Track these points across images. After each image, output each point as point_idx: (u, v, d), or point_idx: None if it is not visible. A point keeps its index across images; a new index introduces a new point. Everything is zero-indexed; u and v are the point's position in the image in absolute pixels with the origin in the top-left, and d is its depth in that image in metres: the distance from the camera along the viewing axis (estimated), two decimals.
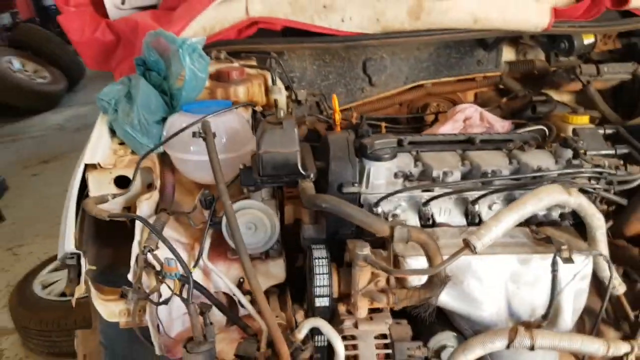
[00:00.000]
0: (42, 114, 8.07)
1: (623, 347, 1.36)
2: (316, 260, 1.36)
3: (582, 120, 1.84)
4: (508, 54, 2.23)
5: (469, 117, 1.86)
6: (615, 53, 2.22)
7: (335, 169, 1.43)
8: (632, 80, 2.11)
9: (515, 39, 2.18)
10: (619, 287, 1.47)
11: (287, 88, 1.95)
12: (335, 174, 1.43)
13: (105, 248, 1.66)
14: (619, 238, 1.64)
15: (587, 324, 1.54)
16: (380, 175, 1.46)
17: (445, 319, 1.49)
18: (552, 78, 2.16)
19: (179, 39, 1.54)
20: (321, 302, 1.35)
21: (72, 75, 8.51)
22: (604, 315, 1.55)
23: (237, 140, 1.56)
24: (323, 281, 1.35)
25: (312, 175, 1.40)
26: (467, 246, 1.22)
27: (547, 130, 1.79)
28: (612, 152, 1.60)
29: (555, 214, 1.54)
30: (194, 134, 1.41)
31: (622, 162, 1.56)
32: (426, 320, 1.36)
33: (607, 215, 1.56)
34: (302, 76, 2.04)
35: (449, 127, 1.84)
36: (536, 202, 1.27)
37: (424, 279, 1.33)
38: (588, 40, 2.02)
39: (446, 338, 1.47)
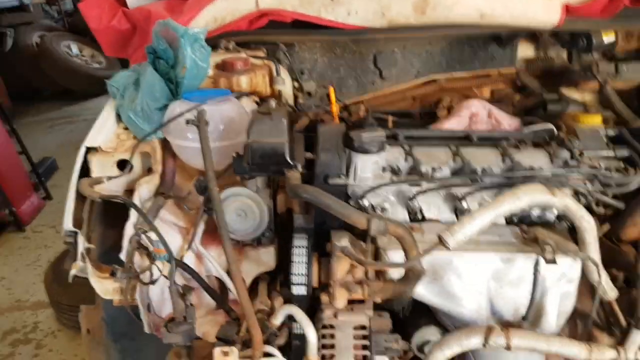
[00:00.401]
0: (96, 98, 8.33)
1: (608, 353, 1.33)
2: (295, 249, 1.38)
3: (594, 120, 1.77)
4: (527, 50, 2.17)
5: (475, 114, 1.83)
6: None
7: (323, 160, 1.44)
8: None
9: (534, 35, 2.12)
10: (610, 292, 1.43)
11: (296, 80, 1.97)
12: (322, 165, 1.45)
13: (112, 229, 1.73)
14: (621, 242, 1.59)
15: (580, 328, 1.51)
16: (367, 168, 1.46)
17: (431, 315, 1.49)
18: (570, 76, 2.10)
19: (182, 29, 1.57)
20: (298, 290, 1.37)
21: (126, 61, 8.71)
22: (597, 321, 1.52)
23: (234, 128, 1.58)
24: (300, 269, 1.37)
25: (299, 166, 1.42)
26: (440, 242, 1.22)
27: (555, 130, 1.74)
28: (611, 154, 1.55)
29: (551, 215, 1.51)
30: (187, 122, 1.45)
31: (622, 164, 1.51)
32: (405, 313, 1.36)
33: (604, 219, 1.53)
34: (313, 68, 2.05)
35: (454, 123, 1.82)
36: (514, 201, 1.24)
37: (403, 272, 1.33)
38: (608, 38, 1.94)
39: (431, 333, 1.47)
